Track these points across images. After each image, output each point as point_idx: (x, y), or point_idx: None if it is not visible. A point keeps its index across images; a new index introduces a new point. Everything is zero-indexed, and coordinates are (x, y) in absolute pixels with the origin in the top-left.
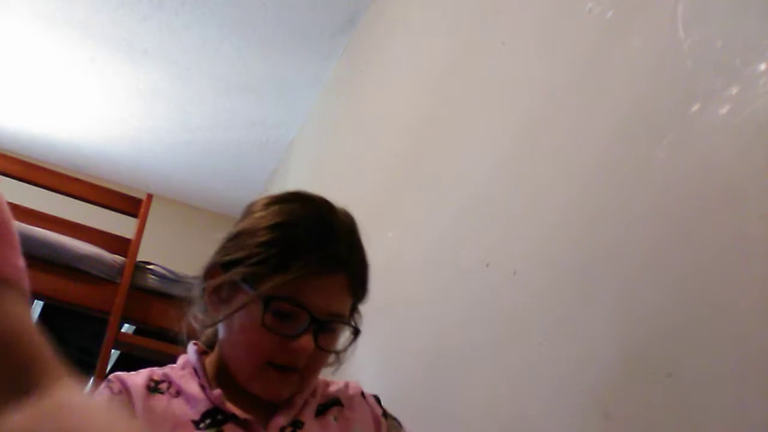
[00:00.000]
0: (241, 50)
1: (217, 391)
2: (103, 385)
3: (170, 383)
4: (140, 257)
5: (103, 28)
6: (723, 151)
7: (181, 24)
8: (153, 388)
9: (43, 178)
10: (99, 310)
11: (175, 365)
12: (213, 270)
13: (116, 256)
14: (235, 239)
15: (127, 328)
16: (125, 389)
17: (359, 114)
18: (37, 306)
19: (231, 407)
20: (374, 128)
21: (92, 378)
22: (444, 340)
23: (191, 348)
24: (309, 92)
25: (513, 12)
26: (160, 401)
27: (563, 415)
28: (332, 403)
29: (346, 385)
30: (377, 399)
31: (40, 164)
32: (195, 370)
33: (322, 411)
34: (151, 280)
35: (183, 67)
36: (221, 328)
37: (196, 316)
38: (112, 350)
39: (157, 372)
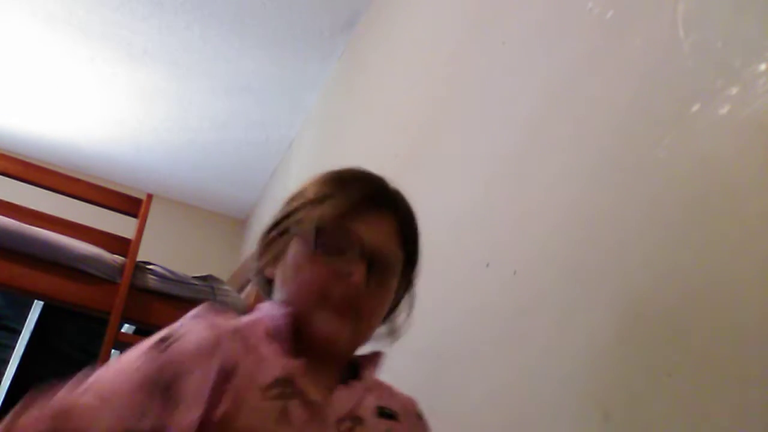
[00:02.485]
0: (241, 50)
1: (299, 362)
2: (191, 315)
3: (243, 337)
4: (140, 257)
5: (103, 28)
6: (723, 151)
7: (181, 24)
8: (234, 336)
9: (43, 178)
10: (99, 310)
11: (242, 320)
12: (269, 230)
13: (116, 256)
14: (289, 202)
15: (127, 328)
16: (216, 328)
17: (359, 114)
18: (37, 306)
19: (304, 384)
20: (374, 129)
21: None
22: (444, 340)
23: (271, 306)
24: (309, 92)
25: (513, 12)
26: (239, 352)
27: (563, 415)
28: (388, 415)
29: (401, 398)
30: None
31: (40, 164)
32: (271, 331)
33: (380, 415)
34: (151, 280)
35: (183, 67)
36: (278, 283)
37: (253, 275)
38: (112, 350)
39: (231, 321)
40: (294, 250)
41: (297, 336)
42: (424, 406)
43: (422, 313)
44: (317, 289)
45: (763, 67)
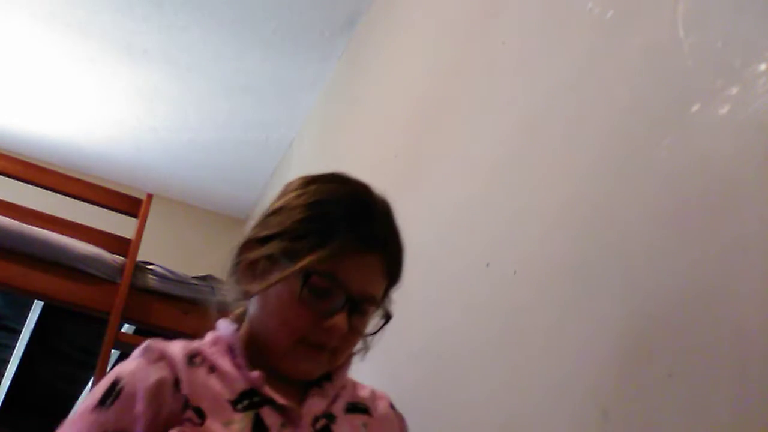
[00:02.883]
0: (241, 51)
1: (257, 373)
2: (138, 352)
3: (204, 358)
4: (140, 257)
5: (103, 28)
6: (723, 151)
7: (181, 24)
8: (190, 360)
9: (43, 178)
10: (99, 310)
11: (203, 341)
12: (249, 245)
13: (116, 256)
14: (272, 215)
15: (127, 328)
16: (165, 357)
17: (359, 114)
18: (37, 306)
19: (270, 391)
20: (374, 128)
21: (92, 378)
22: (444, 340)
23: (225, 324)
24: (309, 93)
25: (513, 12)
26: (199, 374)
27: (563, 415)
28: (361, 409)
29: (375, 394)
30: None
31: (40, 164)
32: (230, 347)
33: (351, 410)
34: (151, 280)
35: (183, 67)
36: (253, 304)
37: (229, 290)
38: (112, 350)
39: (188, 345)
40: (279, 287)
41: (256, 350)
42: (424, 406)
43: (422, 313)
44: (298, 332)
45: (763, 67)
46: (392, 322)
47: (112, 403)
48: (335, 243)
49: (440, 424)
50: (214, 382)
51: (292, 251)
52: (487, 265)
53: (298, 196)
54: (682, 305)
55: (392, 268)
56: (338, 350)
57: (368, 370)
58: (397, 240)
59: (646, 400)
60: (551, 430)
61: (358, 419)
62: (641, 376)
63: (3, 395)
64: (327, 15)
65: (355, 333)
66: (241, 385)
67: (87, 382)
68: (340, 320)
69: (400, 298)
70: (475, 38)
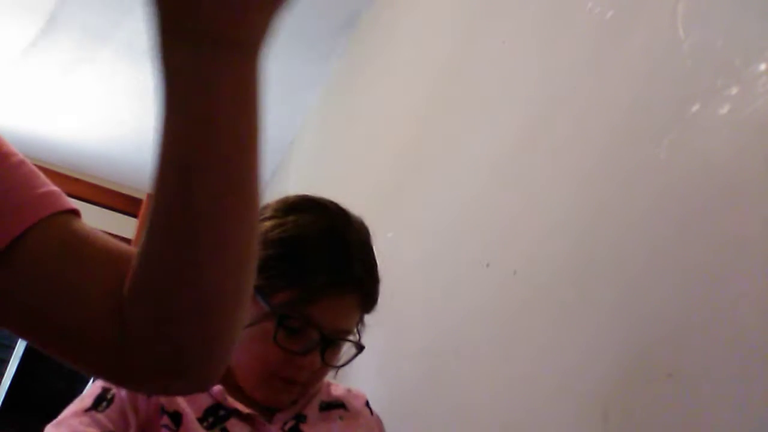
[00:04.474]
0: None
1: (218, 387)
2: (99, 381)
3: None
4: None
5: (104, 28)
6: (723, 151)
7: None
8: None
9: None
10: None
11: None
12: None
13: None
14: None
15: None
16: None
17: (359, 114)
18: None
19: (233, 402)
20: (374, 128)
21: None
22: (444, 340)
23: None
24: (309, 92)
25: (513, 12)
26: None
27: (563, 415)
28: (337, 405)
29: (350, 392)
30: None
31: (40, 164)
32: None
33: (326, 408)
34: None
35: None
36: None
37: None
38: None
39: None
40: (252, 318)
41: (228, 375)
42: (424, 406)
43: (422, 313)
44: (269, 369)
45: (763, 67)
46: (392, 322)
47: (107, 407)
48: (312, 286)
49: (440, 423)
50: (179, 401)
51: (266, 289)
52: (487, 265)
53: (274, 227)
54: (682, 305)
55: (368, 302)
56: (309, 383)
57: (368, 370)
58: (374, 274)
59: (646, 400)
60: (551, 430)
61: (335, 413)
62: (641, 376)
63: (3, 395)
64: (327, 14)
65: (327, 365)
66: (204, 401)
67: (87, 382)
68: (312, 358)
69: (400, 298)
70: (475, 38)
